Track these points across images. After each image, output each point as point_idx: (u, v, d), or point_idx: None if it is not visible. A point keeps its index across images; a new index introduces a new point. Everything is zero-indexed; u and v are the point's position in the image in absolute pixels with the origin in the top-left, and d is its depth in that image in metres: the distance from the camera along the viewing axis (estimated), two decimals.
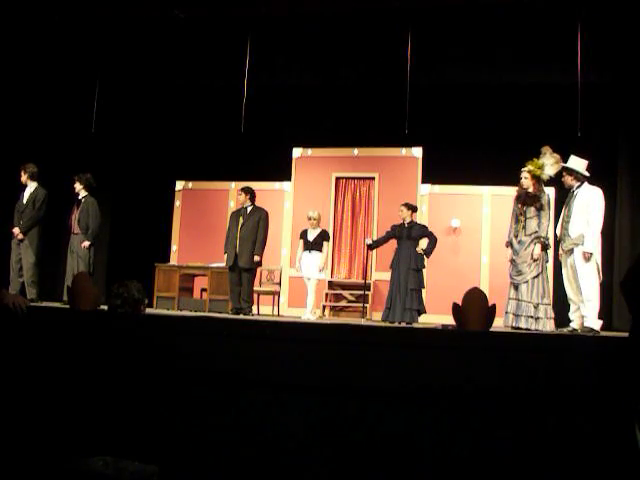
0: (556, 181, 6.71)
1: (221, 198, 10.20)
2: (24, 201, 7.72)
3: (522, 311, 6.18)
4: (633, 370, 2.67)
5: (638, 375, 2.64)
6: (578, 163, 6.33)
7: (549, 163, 6.41)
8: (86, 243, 7.78)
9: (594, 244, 6.10)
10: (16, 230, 7.62)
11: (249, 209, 7.94)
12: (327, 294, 9.58)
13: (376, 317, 8.82)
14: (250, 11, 7.92)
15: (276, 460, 3.54)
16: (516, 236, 6.43)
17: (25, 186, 7.81)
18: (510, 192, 7.13)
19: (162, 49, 8.72)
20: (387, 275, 7.98)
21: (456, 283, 8.23)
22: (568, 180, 6.38)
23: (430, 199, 9.56)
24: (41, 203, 7.69)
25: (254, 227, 7.82)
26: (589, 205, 6.16)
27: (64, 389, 3.78)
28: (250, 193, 7.96)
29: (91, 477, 2.94)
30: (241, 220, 7.87)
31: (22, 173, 7.78)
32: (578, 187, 6.30)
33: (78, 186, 7.95)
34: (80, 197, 7.96)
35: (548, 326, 6.16)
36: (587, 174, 6.31)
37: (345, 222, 10.10)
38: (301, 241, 8.20)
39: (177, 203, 10.42)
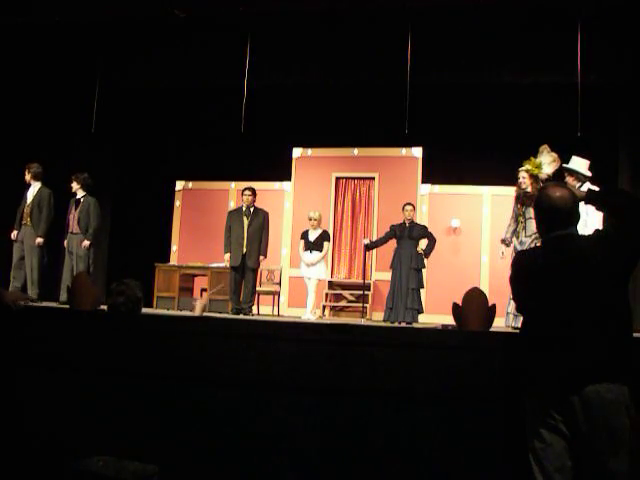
0: (555, 179, 6.69)
1: (221, 198, 10.21)
2: (28, 201, 7.71)
3: None
4: (518, 366, 2.71)
5: (522, 370, 2.68)
6: (579, 163, 6.24)
7: (546, 162, 6.37)
8: (86, 243, 7.77)
9: None
10: (14, 234, 7.66)
11: (251, 209, 7.96)
12: (327, 294, 9.59)
13: (376, 317, 8.82)
14: (250, 11, 7.91)
15: (276, 460, 3.54)
16: (517, 237, 6.44)
17: (29, 186, 7.81)
18: (510, 192, 7.12)
19: (162, 49, 8.72)
20: (387, 275, 7.98)
21: (456, 283, 8.23)
22: (570, 181, 6.30)
23: (430, 199, 9.56)
24: (47, 203, 7.69)
25: (260, 227, 7.88)
26: (587, 206, 6.10)
27: (64, 389, 3.78)
28: (255, 194, 8.03)
29: (91, 477, 2.95)
30: (245, 220, 7.89)
31: (26, 173, 7.78)
32: (579, 187, 6.25)
33: (75, 185, 7.93)
34: (78, 197, 7.94)
35: None
36: (589, 174, 6.21)
37: (345, 222, 10.11)
38: (302, 241, 8.20)
39: (177, 203, 10.43)
